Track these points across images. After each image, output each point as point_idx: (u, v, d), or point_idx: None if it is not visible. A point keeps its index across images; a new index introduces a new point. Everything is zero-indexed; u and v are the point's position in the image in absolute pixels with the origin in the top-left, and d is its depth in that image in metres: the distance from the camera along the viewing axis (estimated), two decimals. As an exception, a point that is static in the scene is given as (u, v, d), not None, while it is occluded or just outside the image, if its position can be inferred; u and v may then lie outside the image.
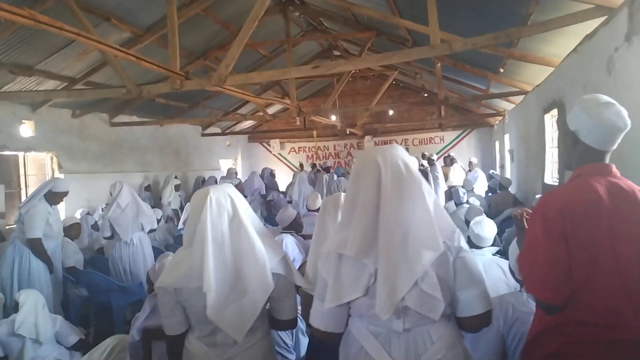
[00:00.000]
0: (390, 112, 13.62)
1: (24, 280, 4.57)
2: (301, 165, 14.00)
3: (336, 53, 11.48)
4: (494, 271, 3.00)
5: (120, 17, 5.64)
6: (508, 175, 9.84)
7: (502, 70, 6.76)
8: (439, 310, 1.53)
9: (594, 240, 1.56)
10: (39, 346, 3.48)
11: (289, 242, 4.01)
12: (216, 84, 4.75)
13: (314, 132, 13.67)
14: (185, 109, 10.24)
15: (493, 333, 2.15)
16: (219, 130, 13.11)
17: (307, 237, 4.32)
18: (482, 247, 3.24)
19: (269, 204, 9.72)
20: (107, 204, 5.44)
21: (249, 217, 2.02)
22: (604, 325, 1.55)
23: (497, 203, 7.14)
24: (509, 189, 7.54)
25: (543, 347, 1.66)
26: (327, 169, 10.86)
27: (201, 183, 10.24)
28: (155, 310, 2.55)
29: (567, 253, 1.57)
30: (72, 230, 5.39)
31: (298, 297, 2.24)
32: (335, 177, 10.11)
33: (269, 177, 10.78)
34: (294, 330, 3.12)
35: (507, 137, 10.17)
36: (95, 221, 6.86)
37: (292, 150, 15.16)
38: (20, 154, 6.98)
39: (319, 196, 5.43)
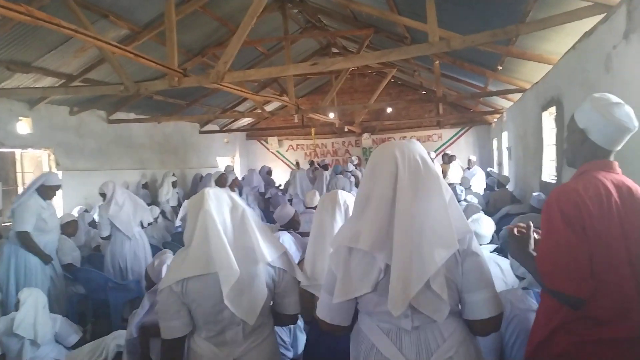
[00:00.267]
0: (389, 110, 13.63)
1: (20, 277, 4.56)
2: (297, 163, 14.00)
3: (334, 50, 11.46)
4: (492, 269, 2.97)
5: (118, 14, 5.62)
6: (506, 172, 9.86)
7: (500, 68, 6.76)
8: (444, 312, 1.52)
9: (608, 233, 1.57)
10: (37, 348, 3.46)
11: (287, 240, 4.01)
12: (214, 81, 4.74)
13: (312, 130, 13.66)
14: (183, 106, 10.22)
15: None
16: (216, 128, 13.10)
17: (305, 234, 4.32)
18: (480, 245, 3.24)
19: (267, 201, 9.73)
20: (102, 204, 5.44)
21: (249, 211, 2.04)
22: (614, 320, 1.55)
23: (495, 200, 7.15)
24: (507, 187, 7.55)
25: (552, 347, 1.65)
26: (325, 167, 10.85)
27: (199, 180, 10.24)
28: (154, 306, 2.55)
29: (588, 246, 1.57)
30: (69, 228, 5.39)
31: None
32: (334, 174, 10.11)
33: (265, 174, 10.79)
34: (292, 327, 3.12)
35: (505, 134, 10.18)
36: (93, 219, 6.86)
37: (290, 147, 15.15)
38: (18, 151, 6.97)
39: (317, 193, 5.42)
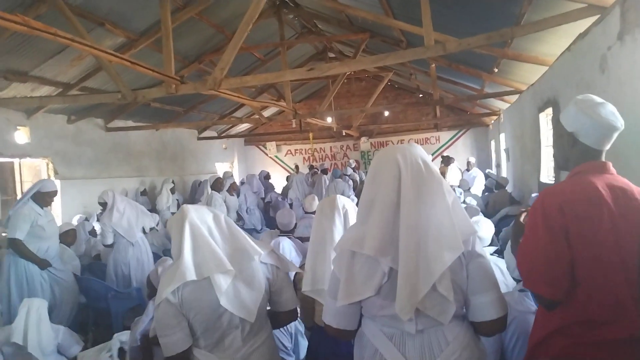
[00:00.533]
0: (386, 113, 13.66)
1: (23, 287, 4.54)
2: (296, 167, 13.99)
3: (331, 55, 11.50)
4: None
5: (114, 22, 5.63)
6: (504, 174, 9.88)
7: (496, 70, 6.79)
8: (450, 314, 1.52)
9: (597, 236, 1.57)
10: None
11: (287, 245, 4.01)
12: (211, 88, 4.75)
13: (310, 134, 13.68)
14: (181, 113, 10.23)
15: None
16: (214, 134, 13.11)
17: (305, 239, 4.32)
18: (480, 247, 3.25)
19: (267, 205, 9.74)
20: (101, 211, 5.45)
21: (230, 220, 2.09)
22: (609, 322, 1.55)
23: (495, 202, 7.17)
24: (506, 188, 7.57)
25: (547, 349, 1.66)
26: (324, 171, 10.86)
27: (197, 187, 10.24)
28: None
29: (568, 249, 1.57)
30: (67, 237, 5.38)
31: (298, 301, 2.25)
32: (333, 178, 10.12)
33: (263, 179, 10.80)
34: (294, 332, 3.12)
35: (502, 136, 10.20)
36: (93, 227, 6.85)
37: (289, 152, 15.16)
38: (16, 161, 6.95)
39: (316, 198, 5.42)
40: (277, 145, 14.98)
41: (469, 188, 8.11)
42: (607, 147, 1.71)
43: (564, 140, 1.75)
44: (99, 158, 8.48)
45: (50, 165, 7.33)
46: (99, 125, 8.59)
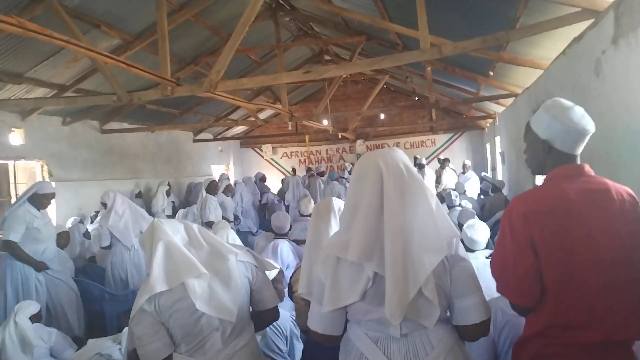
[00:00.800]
0: (382, 116, 13.69)
1: (19, 290, 4.50)
2: (294, 169, 13.98)
3: (327, 58, 11.52)
4: (487, 274, 2.98)
5: (110, 24, 5.62)
6: (499, 177, 9.90)
7: (492, 74, 6.81)
8: (434, 318, 1.52)
9: (564, 243, 1.56)
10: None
11: (285, 248, 4.01)
12: (207, 90, 4.74)
13: (306, 137, 13.68)
14: (177, 115, 10.21)
15: (484, 337, 2.16)
16: (210, 136, 13.09)
17: (300, 242, 4.31)
18: (475, 251, 3.25)
19: (263, 207, 9.71)
20: (96, 212, 5.42)
21: (203, 228, 2.12)
22: (583, 326, 1.56)
23: (491, 205, 7.18)
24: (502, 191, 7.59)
25: (527, 350, 1.67)
26: (321, 174, 10.86)
27: (192, 189, 10.21)
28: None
29: (534, 257, 1.58)
30: (60, 239, 5.33)
31: (293, 304, 2.24)
32: (329, 181, 10.12)
33: (259, 182, 10.79)
34: (289, 335, 3.11)
35: (498, 139, 10.23)
36: (87, 229, 6.81)
37: (285, 155, 15.16)
38: (10, 163, 6.92)
39: (311, 201, 5.42)
40: (273, 147, 14.97)
41: (465, 191, 8.12)
42: (581, 150, 1.71)
43: (538, 147, 1.75)
44: (94, 160, 8.44)
45: (45, 167, 7.29)
46: (94, 127, 8.56)
